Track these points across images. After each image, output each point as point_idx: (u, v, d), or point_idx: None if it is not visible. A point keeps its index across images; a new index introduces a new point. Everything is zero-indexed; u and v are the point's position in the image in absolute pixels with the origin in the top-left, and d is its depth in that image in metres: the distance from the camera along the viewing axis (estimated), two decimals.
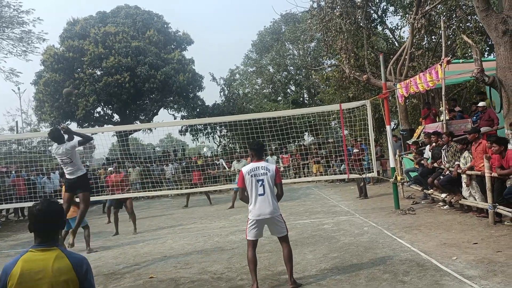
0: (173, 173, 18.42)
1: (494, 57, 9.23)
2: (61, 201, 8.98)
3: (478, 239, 6.38)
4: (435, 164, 9.65)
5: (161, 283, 5.80)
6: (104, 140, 12.95)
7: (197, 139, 28.49)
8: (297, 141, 22.18)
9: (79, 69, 22.99)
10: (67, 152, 6.70)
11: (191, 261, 6.84)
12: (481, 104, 11.11)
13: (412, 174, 11.37)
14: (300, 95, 33.42)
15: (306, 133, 25.02)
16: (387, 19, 19.33)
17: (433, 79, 9.76)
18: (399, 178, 10.41)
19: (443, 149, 9.32)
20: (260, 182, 5.03)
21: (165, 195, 19.17)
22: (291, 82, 33.77)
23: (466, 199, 8.45)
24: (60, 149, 6.73)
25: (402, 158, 12.92)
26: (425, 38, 16.83)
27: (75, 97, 21.94)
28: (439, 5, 15.11)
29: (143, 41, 24.12)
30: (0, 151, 18.40)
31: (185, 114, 27.80)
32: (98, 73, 23.51)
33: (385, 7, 18.77)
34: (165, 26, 26.81)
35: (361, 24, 17.39)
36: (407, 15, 16.96)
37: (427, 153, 10.38)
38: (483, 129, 10.06)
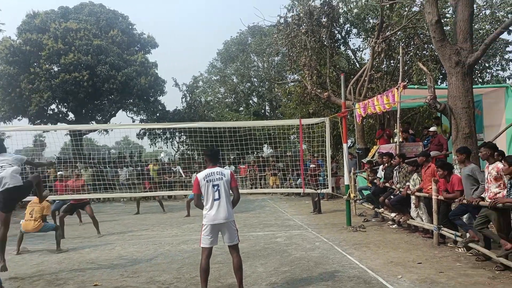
0: (127, 177, 17.94)
1: (446, 85, 9.71)
2: None
3: (423, 259, 6.63)
4: (387, 184, 9.98)
5: None
6: (56, 138, 12.47)
7: (155, 144, 27.99)
8: (256, 153, 22.28)
9: (35, 64, 22.02)
10: (14, 159, 6.44)
11: (139, 269, 6.65)
12: (432, 129, 11.67)
13: (365, 192, 11.70)
14: (262, 107, 33.69)
15: (266, 145, 25.22)
16: (350, 40, 19.99)
17: (389, 102, 10.15)
18: (352, 195, 10.66)
19: (395, 170, 9.68)
20: (215, 187, 5.06)
21: (118, 199, 18.66)
22: (254, 93, 34.00)
23: (414, 219, 8.79)
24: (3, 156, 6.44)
25: (356, 176, 13.28)
26: (385, 62, 17.53)
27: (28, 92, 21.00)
28: (399, 32, 15.81)
29: (105, 40, 23.50)
30: None
31: (145, 117, 27.27)
32: (56, 69, 22.58)
33: (348, 28, 19.40)
34: (130, 27, 26.28)
35: (325, 43, 17.87)
36: (369, 38, 17.61)
37: (380, 172, 10.72)
38: (432, 153, 10.55)
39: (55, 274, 6.54)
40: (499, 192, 6.14)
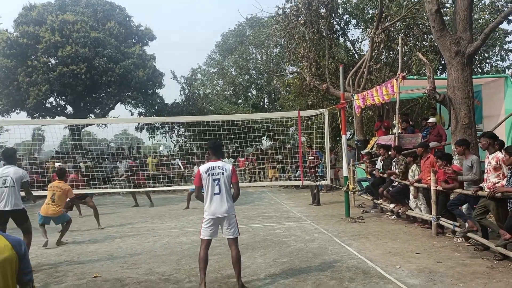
0: (126, 169, 17.91)
1: (446, 76, 9.67)
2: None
3: (421, 249, 6.64)
4: (384, 175, 9.98)
5: (105, 283, 5.60)
6: (55, 132, 12.44)
7: (154, 137, 27.93)
8: (254, 145, 22.27)
9: (33, 57, 21.86)
10: (16, 176, 6.34)
11: (138, 261, 6.66)
12: (431, 120, 11.64)
13: (364, 184, 11.70)
14: (260, 100, 33.61)
15: (264, 138, 25.18)
16: (349, 31, 19.93)
17: (388, 93, 10.12)
18: (351, 187, 10.67)
19: (394, 161, 9.67)
20: (216, 181, 5.08)
21: (117, 192, 18.65)
22: (253, 86, 33.90)
23: (413, 210, 8.80)
24: (8, 169, 6.38)
25: (355, 168, 13.28)
26: (384, 53, 17.45)
27: (26, 85, 20.90)
28: (398, 22, 15.72)
29: (102, 33, 23.32)
30: None
31: (143, 110, 27.17)
32: (53, 62, 22.44)
33: (347, 19, 19.30)
34: (127, 19, 26.07)
35: (324, 34, 17.78)
36: (368, 29, 17.52)
37: (379, 164, 10.72)
38: (431, 144, 10.55)
39: (55, 266, 6.55)
40: (498, 182, 6.14)
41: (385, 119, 15.19)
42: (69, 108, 25.05)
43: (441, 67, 17.00)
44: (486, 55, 18.22)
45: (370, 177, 11.19)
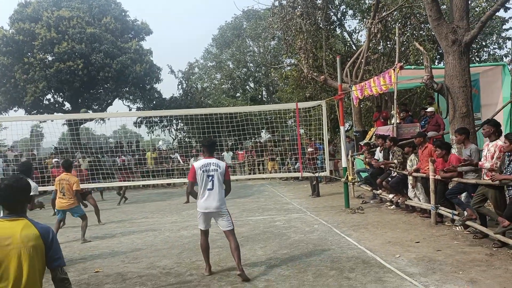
0: (126, 164, 17.92)
1: (443, 65, 9.66)
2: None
3: (420, 238, 6.68)
4: (381, 165, 10.00)
5: (107, 278, 5.63)
6: (53, 128, 12.41)
7: (153, 132, 27.90)
8: (253, 138, 22.29)
9: (29, 54, 21.78)
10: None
11: (140, 255, 6.70)
12: (429, 109, 11.64)
13: (363, 175, 11.73)
14: (258, 92, 33.53)
15: (263, 130, 25.18)
16: (346, 22, 19.88)
17: (386, 83, 10.10)
18: (350, 178, 10.69)
19: (390, 152, 9.70)
20: (210, 178, 5.29)
21: (116, 188, 18.66)
22: (251, 79, 33.81)
23: (412, 199, 8.83)
24: None
25: (354, 159, 13.29)
26: (381, 43, 17.39)
27: (23, 82, 20.80)
28: (395, 12, 15.66)
29: (99, 28, 23.20)
30: None
31: (141, 105, 27.12)
32: (50, 58, 22.34)
33: (344, 10, 19.21)
34: (123, 14, 25.91)
35: (321, 26, 17.70)
36: (364, 20, 17.44)
37: (378, 154, 10.74)
38: (430, 134, 10.56)
39: None
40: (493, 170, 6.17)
41: (384, 109, 15.18)
42: (67, 105, 25.01)
43: (438, 56, 16.96)
44: (484, 43, 18.16)
45: (369, 167, 11.21)
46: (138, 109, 27.10)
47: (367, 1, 18.39)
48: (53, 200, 11.39)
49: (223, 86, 34.46)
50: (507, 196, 5.87)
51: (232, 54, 33.07)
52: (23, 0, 23.33)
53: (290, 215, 9.64)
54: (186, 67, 31.29)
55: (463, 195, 7.23)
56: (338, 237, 7.11)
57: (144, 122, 26.24)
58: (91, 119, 22.60)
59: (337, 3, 18.63)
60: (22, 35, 21.35)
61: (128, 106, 27.43)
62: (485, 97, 11.59)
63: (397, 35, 11.41)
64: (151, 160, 18.41)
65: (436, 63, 16.73)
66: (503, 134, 6.41)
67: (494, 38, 18.07)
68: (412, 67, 11.94)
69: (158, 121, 26.99)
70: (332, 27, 19.00)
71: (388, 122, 13.40)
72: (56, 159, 12.14)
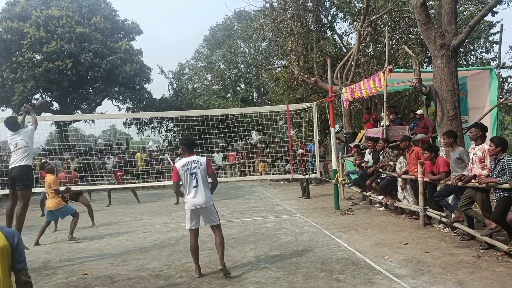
0: (115, 165, 17.78)
1: (432, 68, 9.77)
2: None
3: (409, 239, 6.75)
4: (379, 169, 10.07)
5: (95, 280, 5.59)
6: (41, 129, 12.19)
7: (142, 133, 27.73)
8: (244, 139, 22.29)
9: (17, 53, 21.53)
10: (27, 136, 6.77)
11: (129, 258, 6.66)
12: (419, 112, 11.76)
13: (353, 176, 11.80)
14: (249, 94, 33.55)
15: (254, 132, 25.20)
16: (336, 25, 19.97)
17: (376, 86, 10.19)
18: (340, 179, 10.76)
19: (381, 154, 9.78)
20: (193, 175, 5.41)
21: (105, 189, 18.52)
22: (241, 80, 33.81)
23: (401, 201, 8.92)
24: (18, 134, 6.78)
25: (344, 160, 13.37)
26: (371, 46, 17.53)
27: (11, 81, 20.53)
28: (385, 16, 15.79)
29: (88, 28, 23.01)
30: None
31: (131, 106, 26.91)
32: (38, 58, 22.10)
33: (334, 13, 19.32)
34: (113, 13, 25.73)
35: (312, 28, 17.78)
36: (355, 22, 17.55)
37: (367, 156, 10.82)
38: (418, 136, 10.67)
39: (44, 264, 6.52)
40: (484, 174, 6.24)
41: (373, 111, 15.29)
42: (56, 105, 24.75)
43: (427, 59, 17.12)
44: (471, 47, 18.39)
45: (358, 169, 11.29)
46: (128, 109, 26.89)
47: (357, 4, 18.53)
48: (41, 201, 11.29)
49: (214, 87, 34.40)
50: (495, 198, 5.95)
51: (223, 55, 33.04)
52: None
53: (280, 216, 9.66)
54: (176, 68, 31.20)
55: (451, 197, 7.32)
56: (328, 238, 7.14)
57: (134, 122, 26.06)
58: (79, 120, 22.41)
59: (327, 6, 18.74)
60: (11, 34, 21.09)
61: (118, 106, 27.20)
62: (472, 100, 11.73)
63: (386, 38, 11.50)
64: (141, 162, 18.30)
65: (424, 67, 16.90)
66: (489, 137, 6.50)
67: (482, 42, 18.30)
68: (401, 70, 12.02)
69: (148, 122, 26.85)
70: (322, 29, 19.10)
71: (378, 124, 13.50)
72: (44, 160, 11.96)
